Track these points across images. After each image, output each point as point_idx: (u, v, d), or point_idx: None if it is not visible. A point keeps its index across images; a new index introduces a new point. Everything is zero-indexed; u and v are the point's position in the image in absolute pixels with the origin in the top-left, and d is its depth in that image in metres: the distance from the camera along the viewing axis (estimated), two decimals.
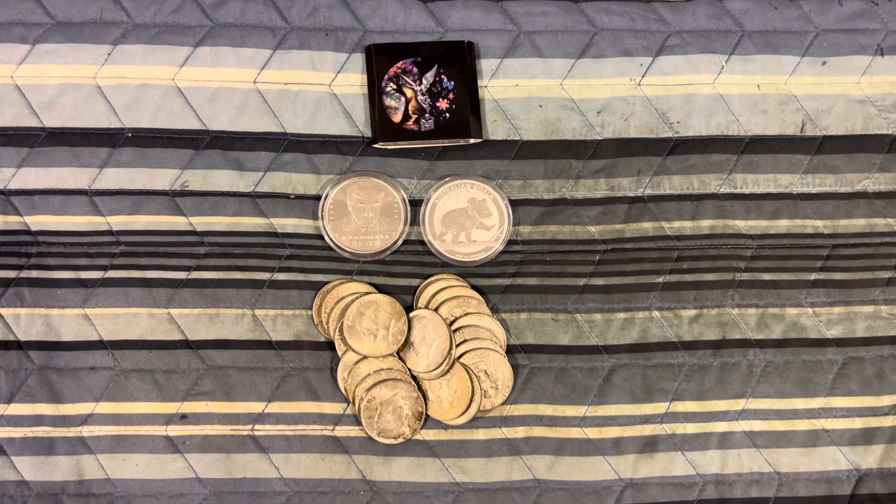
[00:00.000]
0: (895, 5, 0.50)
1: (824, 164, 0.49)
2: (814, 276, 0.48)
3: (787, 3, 0.50)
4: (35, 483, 0.45)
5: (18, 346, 0.46)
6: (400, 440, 0.45)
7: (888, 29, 0.50)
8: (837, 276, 0.48)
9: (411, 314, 0.46)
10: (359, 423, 0.46)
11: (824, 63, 0.50)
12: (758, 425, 0.47)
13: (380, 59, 0.48)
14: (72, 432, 0.45)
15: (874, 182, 0.49)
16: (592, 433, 0.46)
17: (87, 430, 0.45)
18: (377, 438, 0.45)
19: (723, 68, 0.49)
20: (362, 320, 0.45)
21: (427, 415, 0.46)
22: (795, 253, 0.48)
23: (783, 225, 0.48)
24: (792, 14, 0.50)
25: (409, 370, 0.46)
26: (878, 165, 0.49)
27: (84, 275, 0.46)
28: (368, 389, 0.45)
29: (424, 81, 0.48)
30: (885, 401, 0.47)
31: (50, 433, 0.45)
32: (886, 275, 0.48)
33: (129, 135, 0.47)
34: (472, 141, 0.48)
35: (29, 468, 0.45)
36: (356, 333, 0.45)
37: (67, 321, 0.46)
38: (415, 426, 0.45)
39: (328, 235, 0.47)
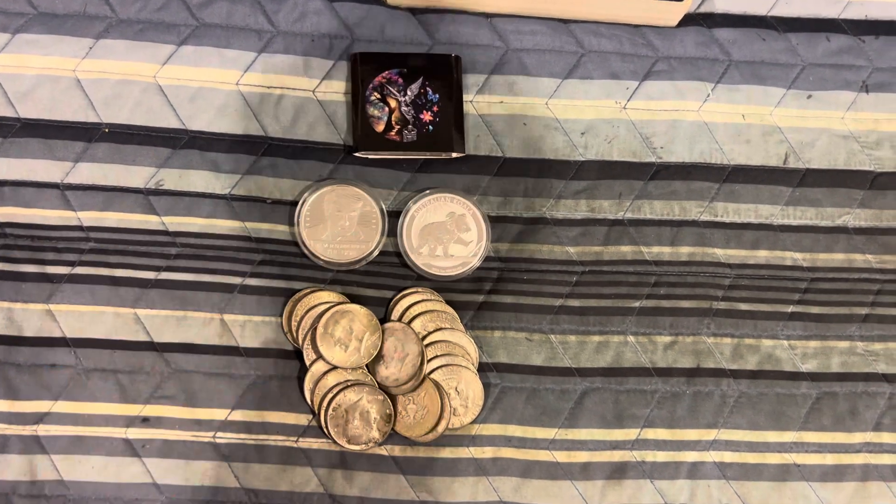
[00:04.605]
0: (882, 43, 0.51)
1: (806, 197, 0.49)
2: (791, 309, 0.48)
3: (775, 36, 0.50)
4: None
5: None
6: (371, 445, 0.44)
7: (874, 66, 0.50)
8: (815, 309, 0.48)
9: (384, 326, 0.45)
10: (323, 434, 0.45)
11: (809, 97, 0.50)
12: (728, 456, 0.46)
13: (365, 67, 0.48)
14: (26, 430, 0.44)
15: (854, 217, 0.49)
16: (561, 457, 0.46)
17: (42, 429, 0.44)
18: (347, 446, 0.44)
19: (709, 96, 0.49)
20: (336, 329, 0.44)
21: (394, 429, 0.45)
22: (773, 284, 0.48)
23: (762, 255, 0.48)
24: (779, 46, 0.50)
25: (378, 384, 0.45)
26: (859, 201, 0.49)
27: (50, 269, 0.45)
28: (334, 396, 0.44)
29: (409, 93, 0.48)
30: (857, 438, 0.47)
31: (3, 430, 0.44)
32: (863, 311, 0.48)
33: (106, 130, 0.47)
34: (454, 155, 0.47)
35: None
36: (328, 342, 0.44)
37: (30, 316, 0.45)
38: (385, 430, 0.44)
39: (303, 243, 0.46)
